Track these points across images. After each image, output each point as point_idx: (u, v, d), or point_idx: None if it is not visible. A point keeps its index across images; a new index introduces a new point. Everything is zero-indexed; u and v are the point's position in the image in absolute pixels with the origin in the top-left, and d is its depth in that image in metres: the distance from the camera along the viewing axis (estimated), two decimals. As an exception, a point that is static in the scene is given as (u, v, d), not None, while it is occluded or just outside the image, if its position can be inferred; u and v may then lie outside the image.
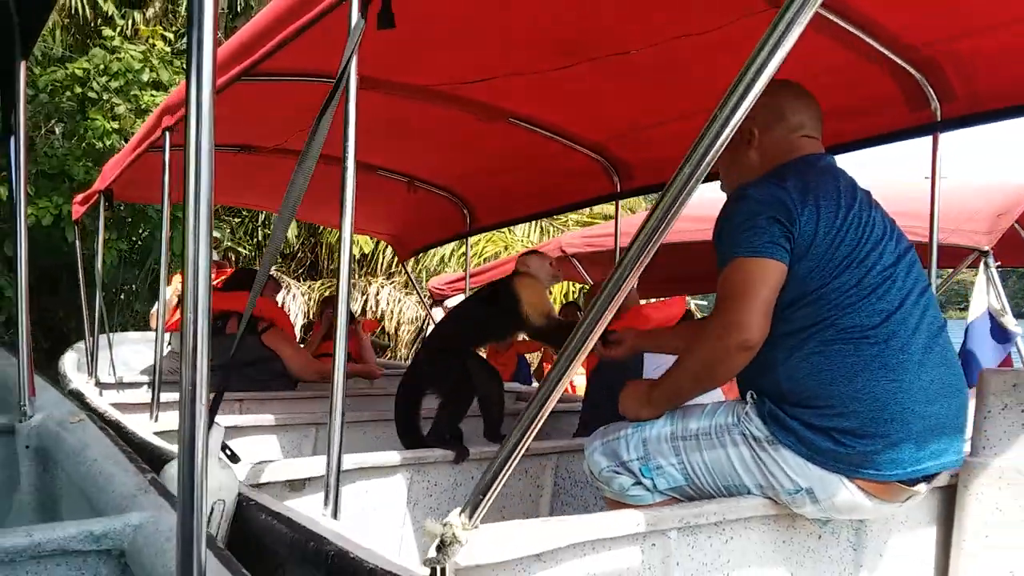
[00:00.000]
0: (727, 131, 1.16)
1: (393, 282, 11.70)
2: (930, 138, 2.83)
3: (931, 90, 2.66)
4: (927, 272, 2.75)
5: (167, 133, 3.13)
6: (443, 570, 1.34)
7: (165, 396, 3.23)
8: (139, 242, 9.72)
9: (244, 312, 2.21)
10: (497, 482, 1.32)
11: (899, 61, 2.58)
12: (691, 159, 1.18)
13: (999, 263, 5.12)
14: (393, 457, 2.41)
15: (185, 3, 9.08)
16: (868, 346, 1.76)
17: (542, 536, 1.53)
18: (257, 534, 1.79)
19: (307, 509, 1.88)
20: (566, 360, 1.27)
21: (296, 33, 2.13)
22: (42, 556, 1.42)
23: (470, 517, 1.34)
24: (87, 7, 10.00)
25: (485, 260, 10.70)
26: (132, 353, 5.84)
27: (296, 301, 11.51)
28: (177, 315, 5.07)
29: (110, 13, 9.98)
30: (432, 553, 1.35)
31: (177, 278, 5.47)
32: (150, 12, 10.86)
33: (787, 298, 1.79)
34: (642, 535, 1.67)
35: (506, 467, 1.32)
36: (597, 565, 1.62)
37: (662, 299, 5.31)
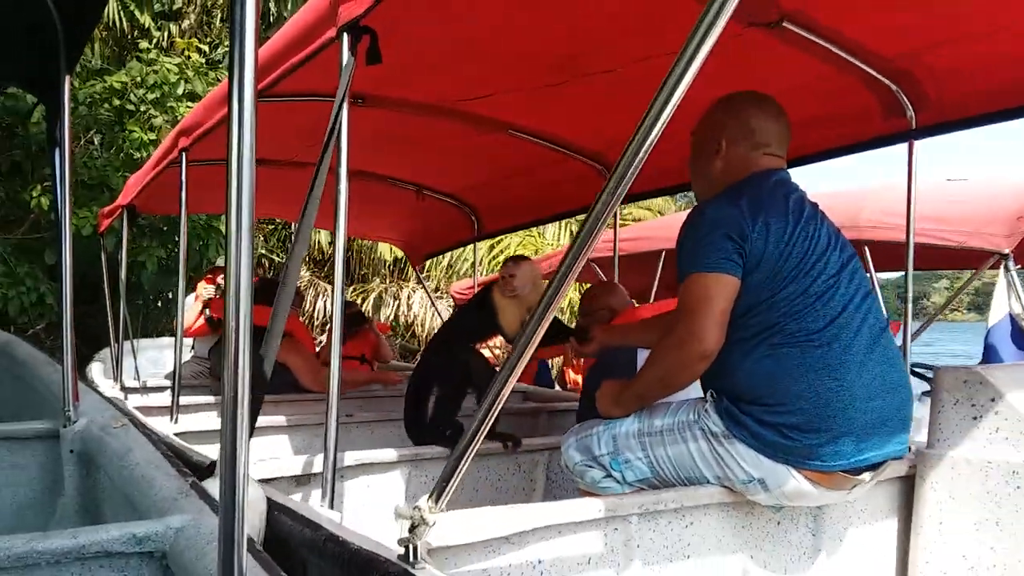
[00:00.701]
0: (658, 126, 1.28)
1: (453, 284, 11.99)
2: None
3: (906, 99, 2.83)
4: (905, 273, 2.93)
5: (183, 153, 3.41)
6: (415, 548, 1.57)
7: (185, 399, 3.50)
8: (176, 250, 10.10)
9: (268, 327, 2.41)
10: (459, 470, 1.54)
11: (874, 73, 2.76)
12: (625, 156, 1.34)
13: (1020, 266, 5.22)
14: (392, 454, 2.65)
15: (219, 15, 9.44)
16: (813, 348, 1.96)
17: (511, 520, 1.75)
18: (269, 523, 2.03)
19: (310, 501, 2.12)
20: (514, 358, 1.48)
21: (292, 69, 2.38)
22: (86, 558, 1.47)
23: (436, 501, 1.56)
24: (124, 20, 10.40)
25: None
26: (158, 358, 6.18)
27: (330, 303, 11.86)
28: (200, 320, 5.39)
29: (147, 25, 10.38)
30: (404, 534, 1.57)
31: (201, 284, 5.75)
32: (185, 24, 11.28)
33: (741, 307, 2.00)
34: (605, 520, 1.89)
35: (466, 456, 1.53)
36: (563, 548, 1.84)
37: (655, 302, 5.50)
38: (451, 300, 8.50)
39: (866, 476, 2.02)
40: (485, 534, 1.71)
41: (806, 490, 1.98)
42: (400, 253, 11.75)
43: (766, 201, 2.05)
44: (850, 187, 6.93)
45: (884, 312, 2.16)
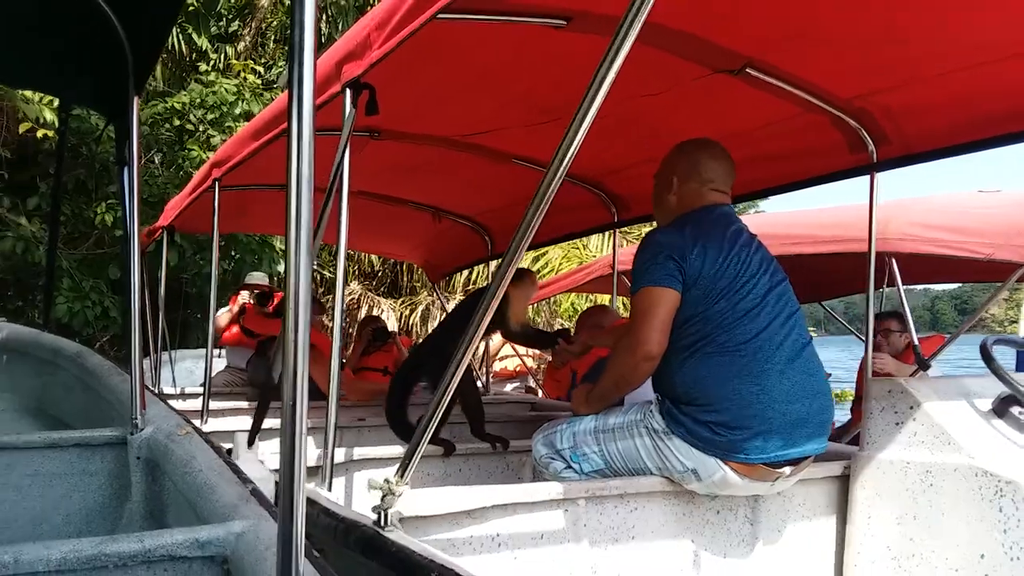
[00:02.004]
0: (575, 144, 1.73)
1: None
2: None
3: (866, 135, 3.20)
4: (866, 295, 3.29)
5: (216, 182, 3.96)
6: (385, 514, 2.02)
7: (215, 404, 4.01)
8: (232, 264, 10.76)
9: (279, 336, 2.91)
10: (418, 450, 1.99)
11: (835, 112, 3.14)
12: (546, 177, 1.78)
13: (1049, 279, 5.40)
14: (393, 450, 3.12)
15: (273, 37, 10.07)
16: (739, 357, 2.37)
17: (473, 498, 2.20)
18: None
19: (312, 486, 2.58)
20: (460, 356, 1.92)
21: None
22: (152, 561, 1.54)
23: (401, 476, 2.02)
24: (183, 43, 11.15)
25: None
26: (193, 368, 6.81)
27: (387, 316, 12.47)
28: (234, 329, 6.01)
29: (204, 48, 11.11)
30: (377, 502, 2.03)
31: (244, 294, 6.41)
32: (241, 46, 12.01)
33: (681, 318, 2.42)
34: (556, 502, 2.33)
35: (424, 437, 1.97)
36: (519, 524, 2.27)
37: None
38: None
39: (786, 470, 2.42)
40: (450, 508, 2.16)
41: (733, 480, 2.39)
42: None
43: (707, 230, 2.48)
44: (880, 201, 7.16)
45: (807, 330, 2.55)
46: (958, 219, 5.11)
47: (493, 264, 6.14)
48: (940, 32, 2.62)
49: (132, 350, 2.46)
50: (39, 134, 9.15)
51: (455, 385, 1.95)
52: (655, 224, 2.97)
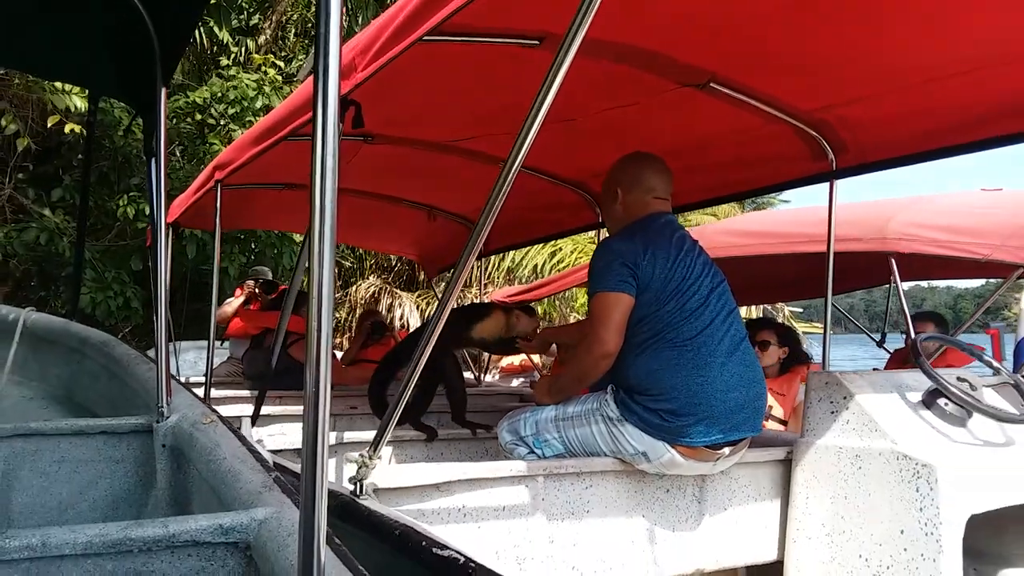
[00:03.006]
0: (520, 155, 2.17)
1: (487, 294, 12.92)
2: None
3: (827, 145, 3.53)
4: (825, 299, 3.63)
5: (218, 184, 4.38)
6: (360, 484, 2.40)
7: (217, 392, 4.41)
8: (252, 257, 11.18)
9: (277, 329, 3.30)
10: (388, 428, 2.36)
11: (796, 123, 3.47)
12: (499, 181, 2.15)
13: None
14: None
15: (293, 31, 10.46)
16: (685, 352, 2.73)
17: (441, 472, 2.57)
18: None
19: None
20: (420, 351, 2.29)
21: (301, 126, 3.23)
22: (176, 546, 1.60)
23: (374, 450, 2.39)
24: (204, 36, 11.58)
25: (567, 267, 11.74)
26: (197, 358, 7.29)
27: (404, 309, 12.91)
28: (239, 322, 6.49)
29: (225, 41, 11.53)
30: (353, 473, 2.41)
31: (250, 283, 6.95)
32: (261, 39, 12.44)
33: (634, 318, 2.78)
34: (517, 478, 2.69)
35: (393, 417, 2.34)
36: (482, 498, 2.64)
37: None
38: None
39: (726, 451, 2.78)
40: (420, 481, 2.53)
41: (678, 461, 2.75)
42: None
43: (654, 238, 2.84)
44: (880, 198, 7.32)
45: (743, 326, 2.90)
46: (958, 219, 5.27)
47: (543, 251, 6.52)
48: (891, 53, 2.95)
49: (159, 339, 2.57)
50: (67, 128, 9.56)
51: (419, 372, 2.32)
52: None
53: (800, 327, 14.22)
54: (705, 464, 2.80)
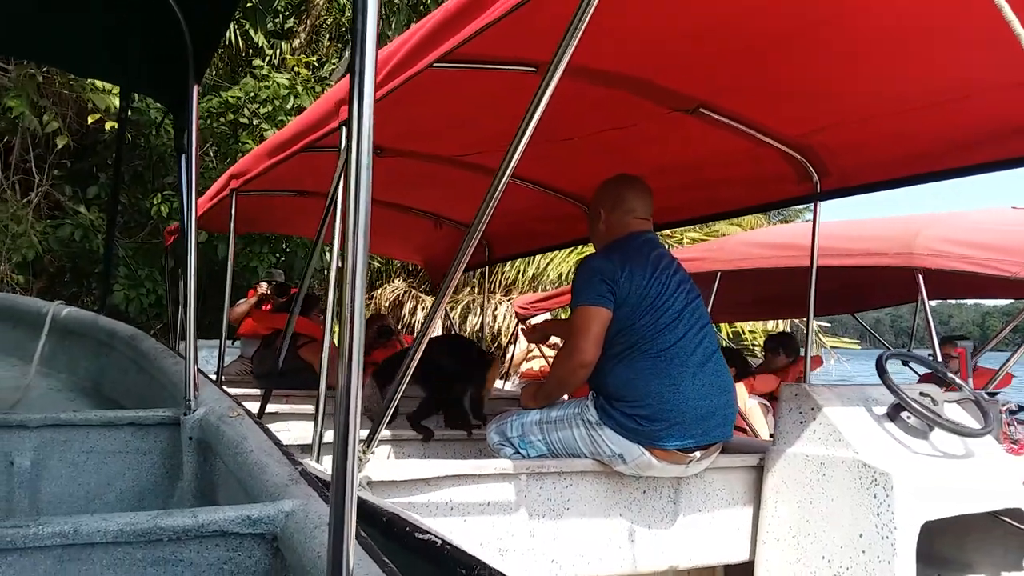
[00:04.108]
0: (507, 174, 2.45)
1: (511, 298, 13.25)
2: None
3: (811, 168, 3.80)
4: (807, 320, 3.90)
5: (233, 192, 4.73)
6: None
7: (226, 390, 4.79)
8: (283, 257, 11.55)
9: (285, 330, 3.62)
10: (381, 425, 2.67)
11: (781, 147, 3.74)
12: (487, 196, 2.46)
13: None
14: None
15: (327, 35, 10.82)
16: (660, 362, 3.03)
17: (429, 468, 2.88)
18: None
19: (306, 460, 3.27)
20: (410, 358, 2.60)
21: (314, 142, 3.56)
22: (204, 536, 1.64)
23: (368, 445, 2.70)
24: (239, 39, 12.01)
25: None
26: (210, 356, 7.73)
27: (428, 312, 13.28)
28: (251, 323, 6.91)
29: (260, 44, 11.95)
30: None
31: (263, 285, 7.42)
32: (296, 43, 12.86)
33: (612, 331, 3.08)
34: (501, 475, 3.00)
35: (385, 416, 2.65)
36: (467, 493, 2.95)
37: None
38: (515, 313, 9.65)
39: (697, 454, 3.06)
40: (410, 476, 2.84)
41: (652, 463, 3.04)
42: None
43: (632, 256, 3.13)
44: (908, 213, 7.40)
45: (716, 339, 3.18)
46: (987, 235, 5.42)
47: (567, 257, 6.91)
48: (871, 83, 3.20)
49: (189, 333, 2.65)
50: (107, 126, 9.95)
51: (407, 378, 2.63)
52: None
53: (828, 341, 14.41)
54: (678, 467, 3.09)
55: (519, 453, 3.25)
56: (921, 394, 3.28)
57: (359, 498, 2.55)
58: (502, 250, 6.77)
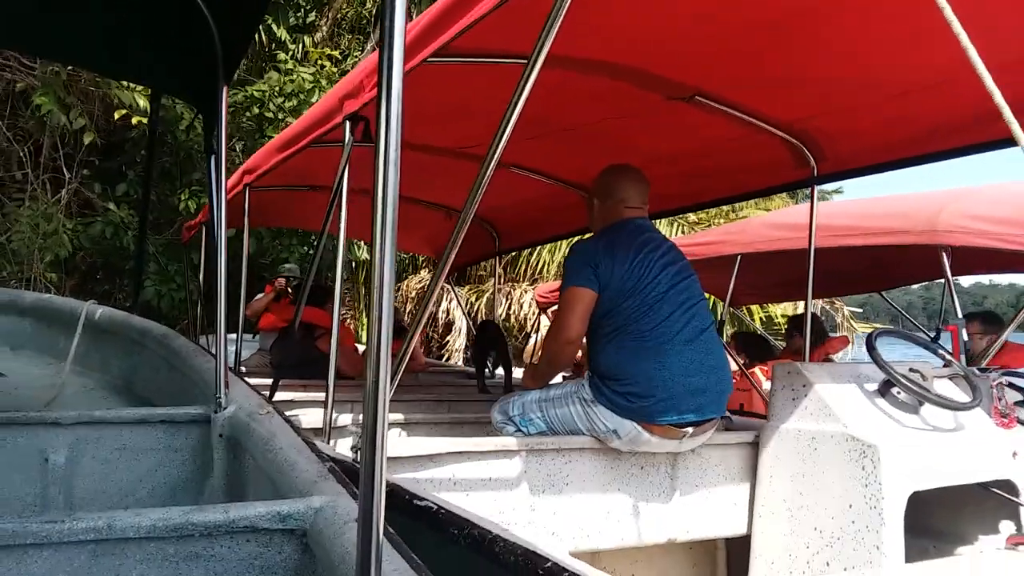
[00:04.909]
0: (493, 162, 2.63)
1: (534, 287, 13.42)
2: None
3: (808, 153, 3.95)
4: (805, 303, 4.05)
5: (247, 187, 4.97)
6: (359, 451, 2.91)
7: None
8: (310, 250, 11.81)
9: (294, 317, 3.84)
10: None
11: (778, 133, 3.90)
12: (474, 188, 2.65)
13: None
14: (392, 416, 4.03)
15: (348, 27, 11.04)
16: (645, 342, 3.22)
17: (433, 445, 3.08)
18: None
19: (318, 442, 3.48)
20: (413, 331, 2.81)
21: (319, 137, 3.76)
22: (235, 532, 1.68)
23: (370, 425, 2.91)
24: (263, 33, 12.28)
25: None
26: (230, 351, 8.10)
27: (452, 303, 13.55)
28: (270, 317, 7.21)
29: (283, 38, 12.23)
30: (353, 442, 2.93)
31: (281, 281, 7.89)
32: (318, 36, 13.15)
33: (600, 312, 3.28)
34: (503, 452, 3.19)
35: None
36: (471, 470, 3.15)
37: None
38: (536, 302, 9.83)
39: (689, 430, 3.25)
40: (414, 452, 3.04)
41: (645, 438, 3.23)
42: (513, 254, 13.37)
43: (619, 241, 3.34)
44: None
45: (709, 317, 3.36)
46: (1013, 210, 5.38)
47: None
48: (864, 69, 3.36)
49: (219, 330, 2.70)
50: (134, 120, 10.25)
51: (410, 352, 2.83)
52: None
53: (860, 327, 14.46)
54: (671, 442, 3.27)
55: (520, 431, 3.44)
56: (911, 370, 3.43)
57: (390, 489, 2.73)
58: (509, 241, 7.03)
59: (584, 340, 3.41)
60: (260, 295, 8.13)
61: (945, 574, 3.16)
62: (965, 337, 5.06)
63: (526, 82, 2.45)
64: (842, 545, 3.18)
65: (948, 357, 3.72)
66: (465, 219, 2.67)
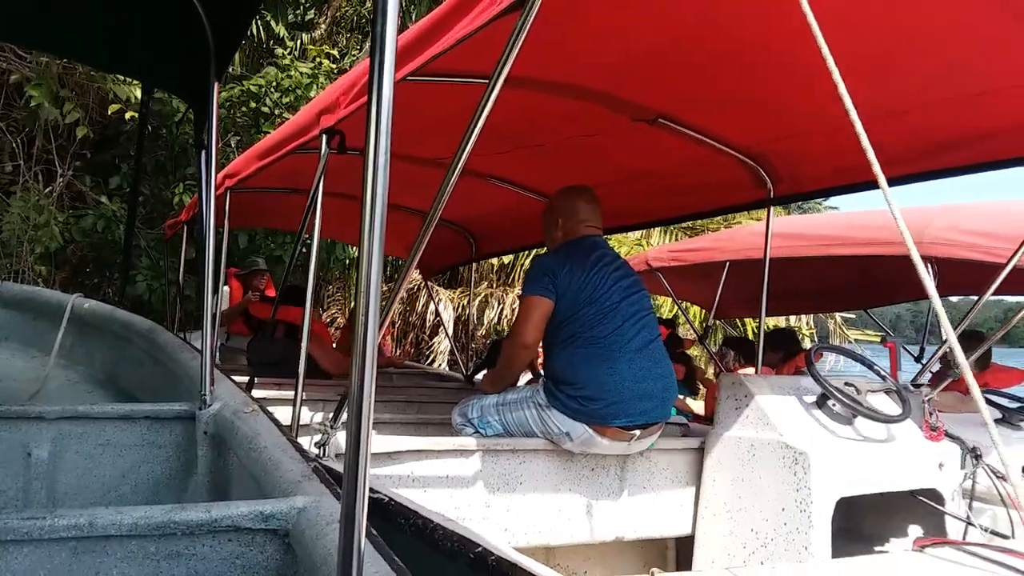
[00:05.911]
0: (455, 174, 2.86)
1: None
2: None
3: (765, 175, 4.29)
4: (759, 321, 4.38)
5: (228, 190, 5.33)
6: (323, 448, 3.25)
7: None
8: (305, 249, 12.06)
9: (271, 319, 4.16)
10: (344, 404, 3.21)
11: (737, 155, 4.23)
12: (439, 193, 2.95)
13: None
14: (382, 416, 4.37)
15: (347, 25, 11.34)
16: (598, 349, 3.56)
17: (393, 443, 3.41)
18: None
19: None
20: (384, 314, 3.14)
21: (295, 149, 4.09)
22: (217, 531, 1.70)
23: (334, 421, 3.24)
24: (261, 30, 12.61)
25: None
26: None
27: (444, 306, 13.87)
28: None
29: (281, 35, 12.55)
30: (318, 439, 3.26)
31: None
32: (316, 33, 13.48)
33: (557, 320, 3.63)
34: (460, 451, 3.53)
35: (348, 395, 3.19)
36: (428, 467, 3.49)
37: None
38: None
39: (637, 432, 3.58)
40: (375, 449, 3.36)
41: (596, 440, 3.56)
42: (508, 259, 13.69)
43: (576, 255, 3.70)
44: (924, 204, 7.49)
45: (657, 330, 3.70)
46: (999, 225, 5.48)
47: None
48: (818, 98, 3.61)
49: (205, 327, 2.76)
50: (127, 116, 10.48)
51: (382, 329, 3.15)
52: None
53: (851, 334, 14.78)
54: (621, 444, 3.60)
55: (478, 432, 3.78)
56: (846, 384, 3.77)
57: (326, 466, 3.08)
58: (486, 247, 7.46)
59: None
60: (225, 292, 8.38)
61: (852, 572, 3.48)
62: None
63: (487, 101, 2.67)
64: (775, 545, 3.51)
65: (884, 373, 4.04)
66: (430, 223, 2.82)
